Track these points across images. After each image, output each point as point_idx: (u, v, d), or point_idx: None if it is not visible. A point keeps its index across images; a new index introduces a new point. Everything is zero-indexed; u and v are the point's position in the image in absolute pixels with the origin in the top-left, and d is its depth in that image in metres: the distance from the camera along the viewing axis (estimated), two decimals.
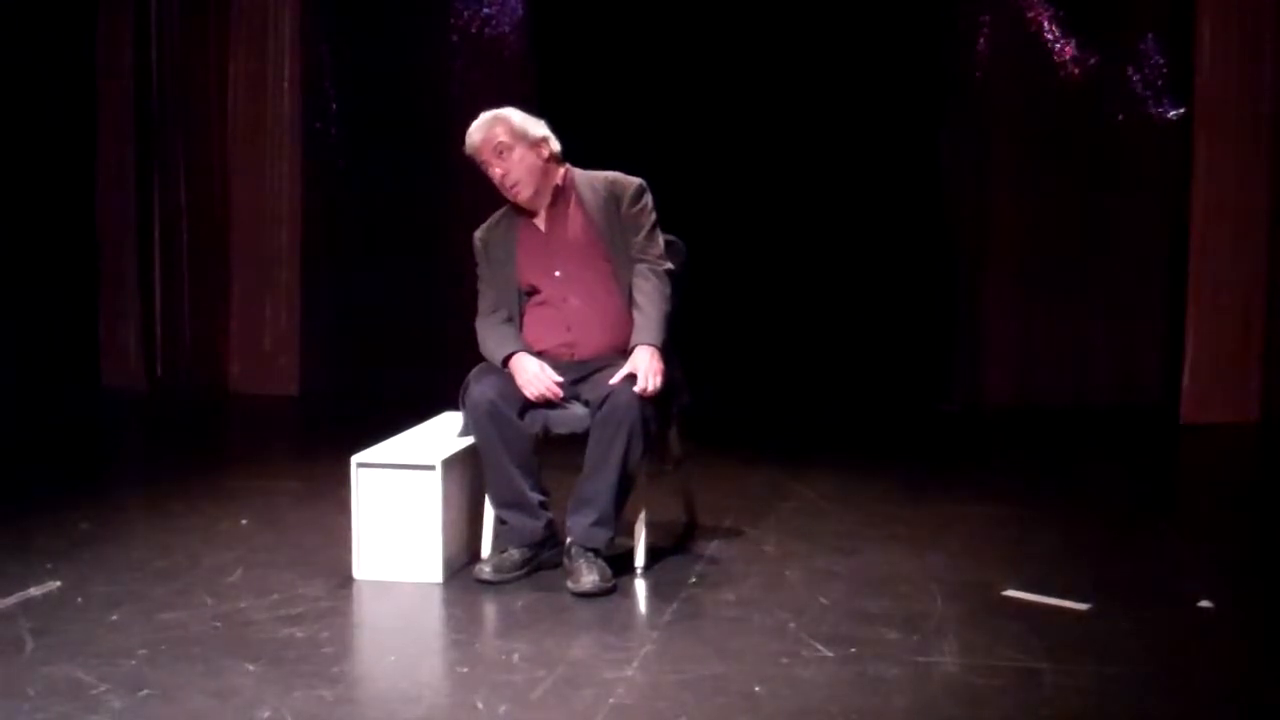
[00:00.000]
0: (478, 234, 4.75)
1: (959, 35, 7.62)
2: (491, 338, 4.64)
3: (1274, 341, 7.15)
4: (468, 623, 4.28)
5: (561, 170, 4.65)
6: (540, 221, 4.65)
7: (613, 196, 4.61)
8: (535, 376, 4.50)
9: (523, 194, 4.60)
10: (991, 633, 4.02)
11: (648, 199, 4.64)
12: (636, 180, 4.65)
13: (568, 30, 7.79)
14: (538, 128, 4.61)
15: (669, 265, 4.63)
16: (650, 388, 4.38)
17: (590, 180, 4.66)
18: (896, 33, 7.70)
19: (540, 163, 4.58)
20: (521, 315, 4.66)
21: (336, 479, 4.85)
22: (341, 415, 7.39)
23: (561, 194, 4.64)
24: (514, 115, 4.60)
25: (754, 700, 3.54)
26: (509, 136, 4.55)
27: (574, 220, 4.62)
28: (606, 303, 4.60)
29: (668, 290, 4.58)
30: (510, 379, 4.51)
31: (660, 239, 4.66)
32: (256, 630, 4.04)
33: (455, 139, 7.96)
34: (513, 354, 4.55)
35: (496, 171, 4.58)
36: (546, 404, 4.51)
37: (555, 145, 4.63)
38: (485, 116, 4.61)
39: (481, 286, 4.74)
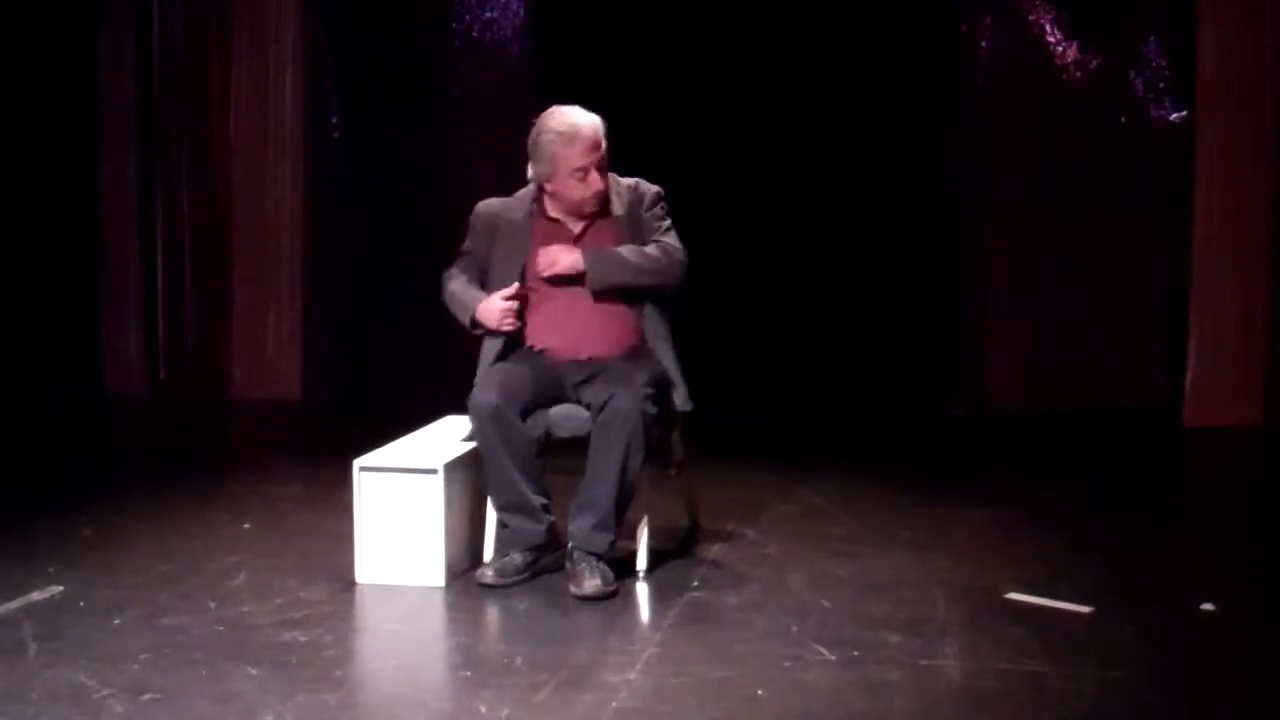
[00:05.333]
0: (485, 206, 4.74)
1: (961, 38, 7.61)
2: (460, 291, 4.67)
3: (1277, 344, 7.13)
4: (470, 626, 4.28)
5: None
6: (574, 224, 4.65)
7: (639, 200, 4.65)
8: (496, 309, 4.55)
9: (597, 206, 4.61)
10: (994, 636, 4.02)
11: (665, 205, 4.70)
12: (655, 187, 4.70)
13: (570, 34, 7.79)
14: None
15: (681, 256, 4.62)
16: (542, 266, 4.50)
17: (616, 185, 4.66)
18: (898, 35, 7.69)
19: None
20: (523, 311, 4.66)
21: (339, 483, 4.85)
22: (344, 419, 7.38)
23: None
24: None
25: (757, 703, 3.54)
26: (605, 156, 4.57)
27: (605, 225, 4.63)
28: (615, 305, 4.60)
29: (662, 262, 4.57)
30: (511, 378, 4.51)
31: (675, 238, 4.68)
32: (259, 634, 4.04)
33: (457, 143, 7.99)
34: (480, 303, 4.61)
35: (594, 178, 4.55)
36: (549, 406, 4.52)
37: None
38: (597, 123, 4.55)
39: (464, 257, 4.75)
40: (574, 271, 4.54)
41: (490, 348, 4.66)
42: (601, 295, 4.59)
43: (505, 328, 4.58)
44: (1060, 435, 7.15)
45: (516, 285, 4.57)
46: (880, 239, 7.81)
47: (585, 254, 4.55)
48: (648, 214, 4.65)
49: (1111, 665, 3.80)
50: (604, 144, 4.55)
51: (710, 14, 7.76)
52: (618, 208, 4.63)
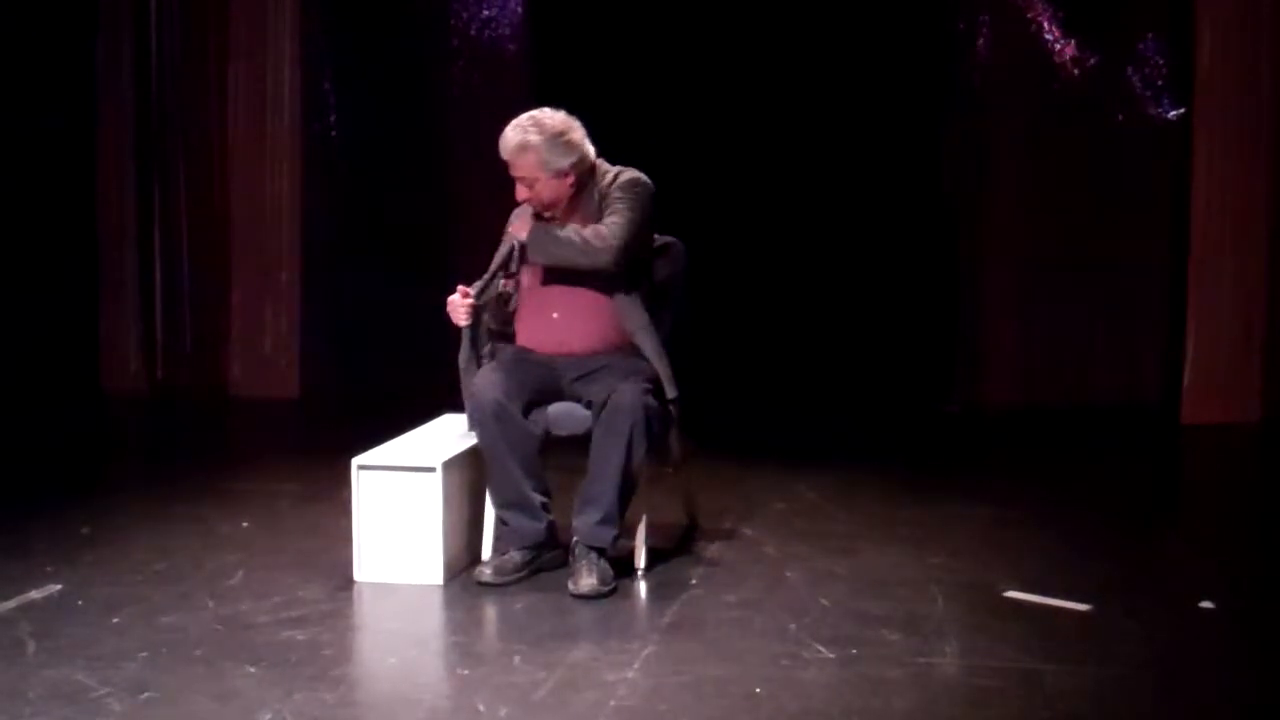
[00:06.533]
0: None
1: (958, 36, 7.61)
2: None
3: (1274, 341, 7.14)
4: (468, 625, 4.28)
5: (590, 168, 4.63)
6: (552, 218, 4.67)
7: (606, 188, 4.60)
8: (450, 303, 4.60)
9: (546, 215, 4.63)
10: (992, 634, 4.02)
11: (637, 192, 4.58)
12: (634, 175, 4.62)
13: (567, 32, 7.79)
14: (566, 154, 4.53)
15: (614, 240, 4.50)
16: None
17: (608, 177, 4.64)
18: (896, 33, 7.69)
19: (565, 189, 4.58)
20: (516, 305, 4.70)
21: (337, 481, 4.85)
22: (342, 417, 7.39)
23: (584, 189, 4.62)
24: (544, 142, 4.51)
25: (755, 701, 3.54)
26: (533, 170, 4.52)
27: (580, 216, 4.62)
28: (593, 298, 4.59)
29: (583, 237, 4.49)
30: (512, 375, 4.52)
31: (625, 222, 4.52)
32: (257, 633, 4.04)
33: (455, 140, 7.97)
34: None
35: (520, 190, 4.60)
36: (548, 403, 4.53)
37: (588, 160, 4.60)
38: (516, 138, 4.52)
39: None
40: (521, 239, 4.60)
41: (465, 344, 4.69)
42: (583, 292, 4.58)
43: (458, 321, 4.62)
44: (1058, 433, 7.15)
45: (460, 287, 4.62)
46: (878, 236, 7.81)
47: (531, 227, 4.57)
48: (610, 195, 4.57)
49: (1109, 663, 3.81)
50: (526, 164, 4.51)
51: (708, 13, 7.75)
52: (592, 199, 4.62)
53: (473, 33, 7.96)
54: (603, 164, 4.68)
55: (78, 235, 7.99)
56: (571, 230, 4.55)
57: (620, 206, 4.55)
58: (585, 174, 4.61)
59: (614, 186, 4.59)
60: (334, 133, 8.07)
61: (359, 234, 8.07)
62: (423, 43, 8.00)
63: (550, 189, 4.56)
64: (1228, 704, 3.60)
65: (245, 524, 5.24)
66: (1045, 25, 7.53)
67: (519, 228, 4.65)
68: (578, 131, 4.60)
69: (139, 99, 7.96)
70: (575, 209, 4.62)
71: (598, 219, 4.57)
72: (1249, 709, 3.58)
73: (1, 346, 7.30)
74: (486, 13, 7.92)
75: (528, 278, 4.66)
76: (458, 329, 4.68)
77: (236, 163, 8.04)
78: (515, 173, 4.57)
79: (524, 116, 4.59)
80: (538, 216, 4.66)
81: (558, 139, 4.54)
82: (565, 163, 4.54)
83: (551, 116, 4.59)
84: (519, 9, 7.88)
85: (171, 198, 8.01)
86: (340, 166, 8.08)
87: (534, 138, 4.52)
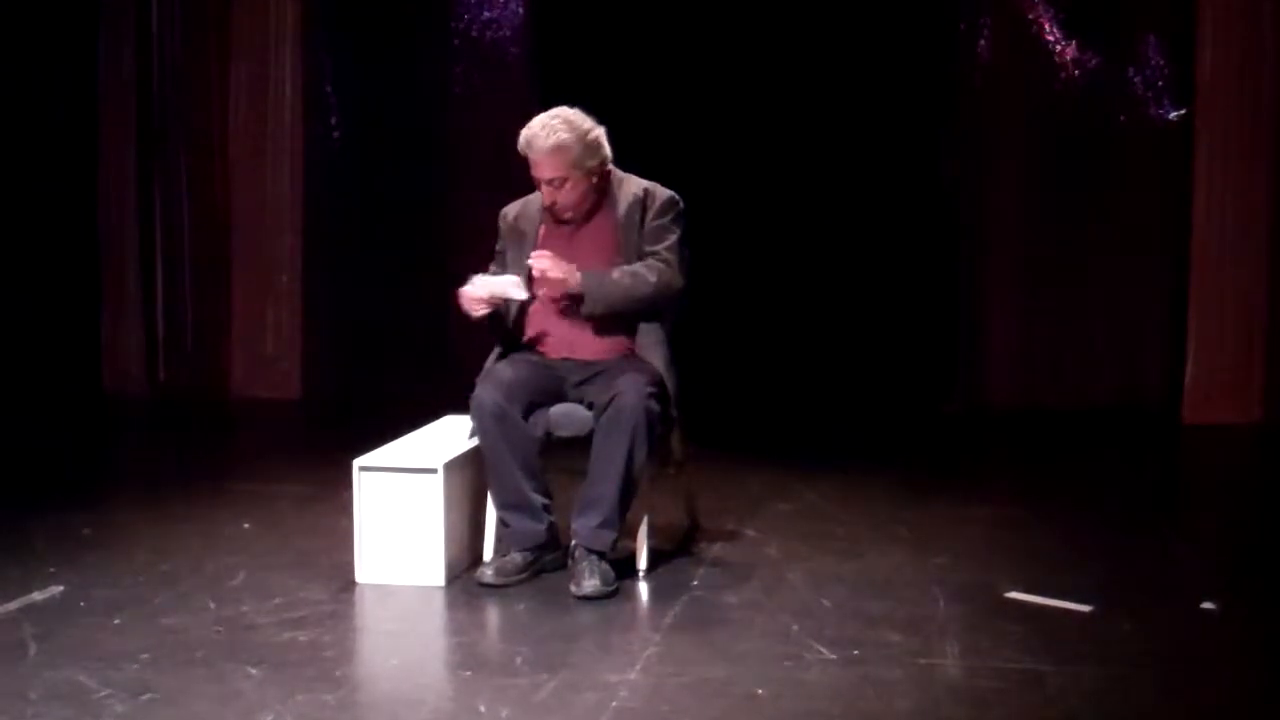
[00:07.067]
0: (506, 210, 4.76)
1: (960, 37, 7.61)
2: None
3: (1276, 342, 7.14)
4: (470, 626, 4.28)
5: (608, 171, 4.62)
6: (572, 223, 4.64)
7: (640, 204, 4.59)
8: (463, 295, 4.51)
9: (567, 216, 4.59)
10: (994, 635, 4.02)
11: (677, 213, 4.61)
12: (670, 193, 4.63)
13: (569, 34, 7.79)
14: (596, 152, 4.52)
15: (674, 275, 4.56)
16: (540, 269, 4.41)
17: (627, 185, 4.64)
18: (898, 35, 7.69)
19: (590, 189, 4.56)
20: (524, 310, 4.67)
21: (338, 482, 4.85)
22: (343, 419, 7.39)
23: (604, 192, 4.62)
24: (577, 140, 4.48)
25: (757, 702, 3.55)
26: (568, 169, 4.48)
27: (602, 223, 4.62)
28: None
29: (650, 282, 4.49)
30: (513, 377, 4.52)
31: (678, 255, 4.59)
32: (259, 634, 4.05)
33: (457, 142, 7.97)
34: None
35: (546, 191, 4.54)
36: (550, 405, 4.53)
37: (609, 157, 4.58)
38: (549, 138, 4.45)
39: (494, 258, 4.76)
40: (567, 289, 4.48)
41: (496, 349, 4.69)
42: None
43: (474, 312, 4.54)
44: (1060, 433, 7.15)
45: (475, 278, 4.56)
46: (880, 237, 7.80)
47: (585, 277, 4.47)
48: (653, 222, 4.58)
49: (1111, 664, 3.81)
50: (558, 163, 4.46)
51: (710, 14, 7.75)
52: (619, 209, 4.61)
53: (474, 34, 7.96)
54: (617, 172, 4.67)
55: (80, 236, 7.99)
56: (627, 279, 4.49)
57: (672, 240, 4.57)
58: (604, 176, 4.61)
59: (655, 211, 4.58)
60: (336, 134, 8.08)
61: (359, 235, 8.07)
62: (423, 43, 8.00)
63: (579, 189, 4.54)
64: (1228, 704, 3.61)
65: (246, 525, 5.24)
66: (1045, 26, 7.54)
67: (546, 264, 4.46)
68: (601, 131, 4.58)
69: (140, 100, 7.97)
70: (594, 212, 4.62)
71: (618, 225, 4.58)
72: (1249, 709, 3.58)
73: (3, 348, 7.31)
74: (488, 14, 7.93)
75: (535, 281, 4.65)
76: (466, 333, 4.68)
77: (238, 163, 8.05)
78: (543, 173, 4.52)
79: (548, 115, 4.54)
80: (556, 220, 4.63)
81: (588, 137, 4.52)
82: (595, 162, 4.54)
83: (578, 115, 4.56)
84: (520, 10, 7.88)
85: (173, 199, 8.01)
86: (341, 167, 8.09)
87: (566, 136, 4.48)
